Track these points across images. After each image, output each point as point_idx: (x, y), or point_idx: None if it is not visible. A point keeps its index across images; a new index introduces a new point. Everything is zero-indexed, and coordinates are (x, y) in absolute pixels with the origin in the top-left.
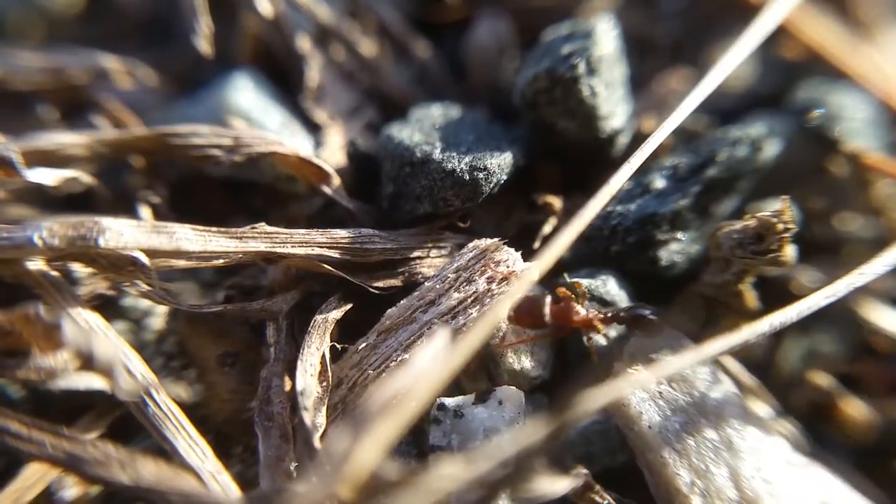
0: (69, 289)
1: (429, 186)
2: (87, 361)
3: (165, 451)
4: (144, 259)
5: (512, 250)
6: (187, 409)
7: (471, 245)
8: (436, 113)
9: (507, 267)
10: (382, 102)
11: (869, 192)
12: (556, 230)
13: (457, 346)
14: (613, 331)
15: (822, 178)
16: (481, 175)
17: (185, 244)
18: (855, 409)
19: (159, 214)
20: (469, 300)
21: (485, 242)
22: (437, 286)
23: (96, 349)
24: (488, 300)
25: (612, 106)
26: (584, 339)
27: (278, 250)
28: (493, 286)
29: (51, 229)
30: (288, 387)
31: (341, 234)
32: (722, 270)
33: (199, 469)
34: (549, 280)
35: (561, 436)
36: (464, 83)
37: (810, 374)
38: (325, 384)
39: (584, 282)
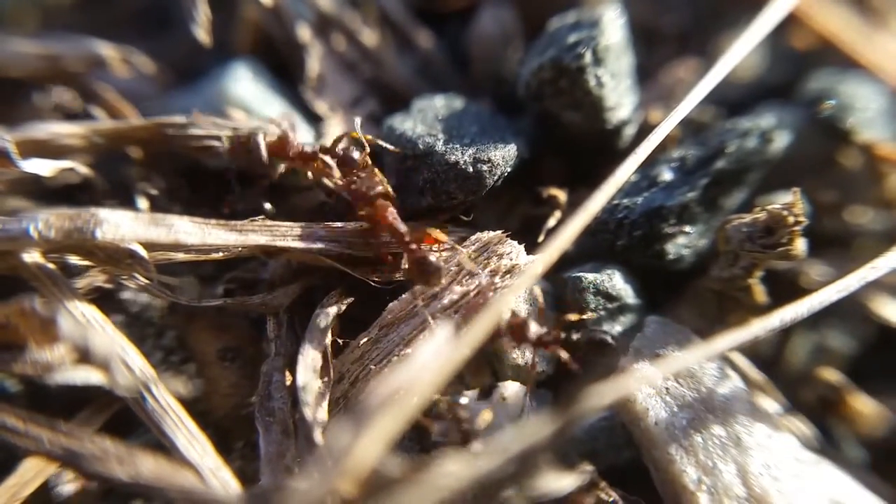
0: (66, 282)
1: (431, 179)
2: (85, 356)
3: (165, 447)
4: (142, 252)
5: (515, 243)
6: (187, 404)
7: (473, 238)
8: (438, 104)
9: (511, 260)
10: (384, 93)
11: (881, 184)
12: (560, 223)
13: (459, 340)
14: (619, 326)
15: (834, 170)
16: (485, 167)
17: (184, 237)
18: (864, 405)
19: (157, 206)
20: (472, 293)
21: (487, 235)
22: None
23: (93, 343)
24: (491, 293)
25: (619, 97)
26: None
27: (279, 243)
28: (496, 279)
29: (47, 221)
30: (289, 382)
31: (342, 227)
32: (730, 264)
33: (198, 465)
34: (554, 275)
35: (566, 432)
36: (467, 74)
37: (819, 370)
38: (326, 379)
39: (590, 276)
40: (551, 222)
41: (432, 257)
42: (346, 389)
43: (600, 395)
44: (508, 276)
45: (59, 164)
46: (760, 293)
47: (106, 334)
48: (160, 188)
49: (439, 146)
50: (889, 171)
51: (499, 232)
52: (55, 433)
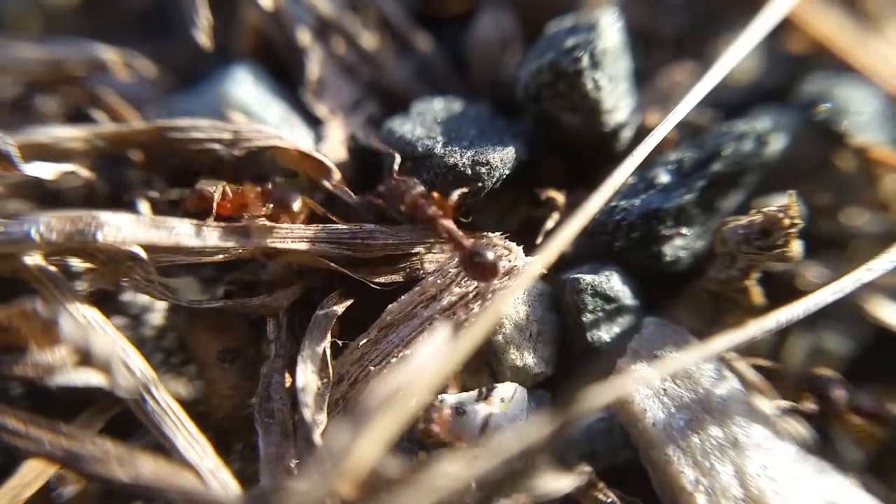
0: (67, 284)
1: (430, 181)
2: (86, 357)
3: (165, 448)
4: (143, 254)
5: (514, 245)
6: (187, 405)
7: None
8: (438, 107)
9: (509, 261)
10: (384, 96)
11: (876, 186)
12: (559, 225)
13: (458, 341)
14: (617, 327)
15: (829, 172)
16: (483, 169)
17: (185, 239)
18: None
19: (158, 209)
20: (470, 295)
21: (486, 237)
22: (438, 281)
23: (94, 345)
24: (490, 295)
25: (616, 99)
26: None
27: (279, 245)
28: (496, 281)
29: (48, 224)
30: (289, 383)
31: (342, 229)
32: (727, 266)
33: (198, 466)
34: (553, 275)
35: (564, 433)
36: (466, 77)
37: (816, 371)
38: (325, 380)
39: (588, 277)
40: (550, 224)
41: (488, 254)
42: (346, 391)
43: (598, 396)
44: (507, 277)
45: (60, 167)
46: (757, 294)
47: (107, 336)
48: (161, 191)
49: (438, 148)
50: (883, 174)
51: (497, 234)
52: (56, 435)
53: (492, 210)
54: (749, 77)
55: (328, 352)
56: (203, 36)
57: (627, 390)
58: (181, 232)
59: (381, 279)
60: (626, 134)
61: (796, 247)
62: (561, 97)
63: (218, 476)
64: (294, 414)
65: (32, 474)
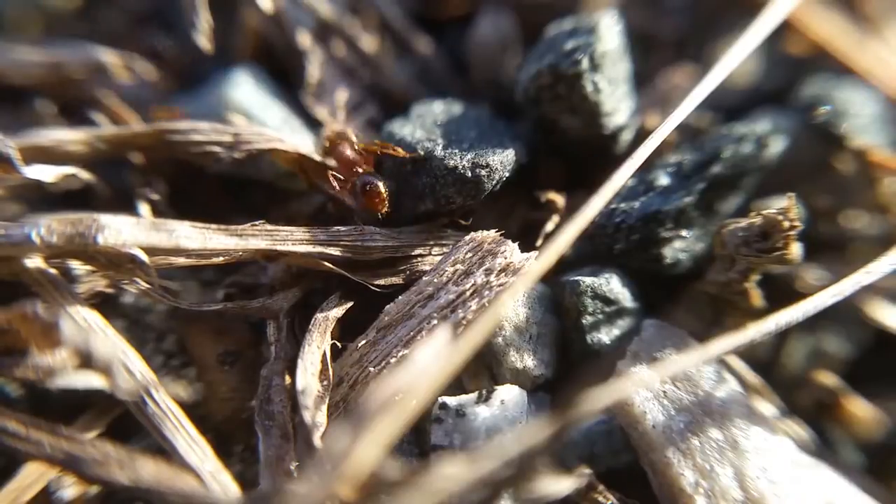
0: (68, 286)
1: (430, 184)
2: (86, 360)
3: (165, 451)
4: (143, 256)
5: (509, 241)
6: (187, 408)
7: (468, 238)
8: (437, 109)
9: (505, 258)
10: (383, 99)
11: (875, 189)
12: (558, 227)
13: (458, 343)
14: (617, 330)
15: (828, 175)
16: (483, 172)
17: (185, 241)
18: (861, 408)
19: (159, 211)
20: (468, 293)
21: (482, 235)
22: (435, 280)
23: (95, 347)
24: (487, 293)
25: (616, 102)
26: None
27: (279, 248)
28: (492, 278)
29: (49, 226)
30: (289, 385)
31: (342, 231)
32: (727, 268)
33: (198, 469)
34: (552, 279)
35: (564, 435)
36: (466, 79)
37: (816, 374)
38: (325, 382)
39: (588, 280)
40: (549, 226)
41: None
42: (346, 393)
43: (598, 399)
44: (504, 274)
45: (61, 169)
46: (757, 297)
47: (107, 339)
48: (161, 193)
49: (438, 151)
50: (882, 177)
51: (492, 231)
52: (56, 437)
53: (492, 212)
54: (749, 79)
55: (328, 354)
56: (203, 39)
57: (627, 393)
58: (181, 234)
59: (381, 281)
60: (626, 136)
61: (796, 249)
62: (560, 100)
63: (218, 478)
64: (294, 416)
65: (32, 477)
